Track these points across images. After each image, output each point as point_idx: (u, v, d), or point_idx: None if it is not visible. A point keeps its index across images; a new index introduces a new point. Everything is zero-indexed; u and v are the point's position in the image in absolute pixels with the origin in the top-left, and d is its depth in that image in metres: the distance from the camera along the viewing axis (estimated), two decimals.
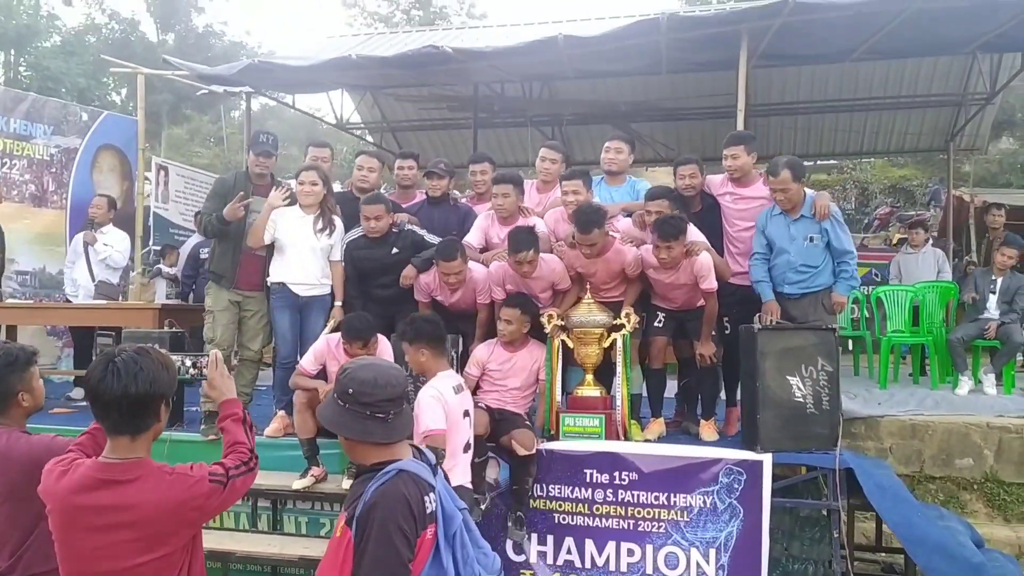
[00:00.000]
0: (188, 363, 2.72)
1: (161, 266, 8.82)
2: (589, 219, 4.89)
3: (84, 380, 2.25)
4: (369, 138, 14.07)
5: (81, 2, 25.39)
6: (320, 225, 5.53)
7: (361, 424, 2.31)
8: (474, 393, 5.14)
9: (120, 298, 7.25)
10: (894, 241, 12.03)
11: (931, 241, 9.27)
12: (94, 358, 3.50)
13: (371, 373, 2.36)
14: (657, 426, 5.29)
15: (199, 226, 5.86)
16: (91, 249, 7.18)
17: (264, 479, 4.97)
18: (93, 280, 7.11)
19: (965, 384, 6.78)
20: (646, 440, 5.12)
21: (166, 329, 5.66)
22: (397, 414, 2.32)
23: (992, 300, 6.97)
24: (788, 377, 4.67)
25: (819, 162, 18.01)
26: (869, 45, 8.10)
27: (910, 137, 12.73)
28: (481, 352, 5.15)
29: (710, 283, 4.93)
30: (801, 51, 8.58)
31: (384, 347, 5.10)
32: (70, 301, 7.24)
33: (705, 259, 4.92)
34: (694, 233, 5.09)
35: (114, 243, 7.30)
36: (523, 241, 4.95)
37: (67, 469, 2.27)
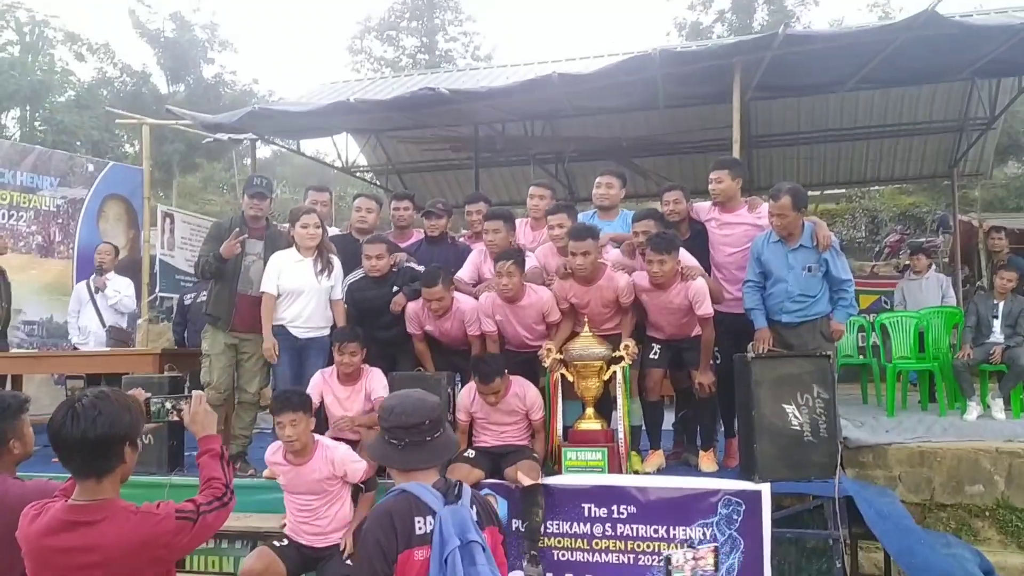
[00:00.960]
0: (168, 405, 2.75)
1: None
2: (582, 229, 5.05)
3: (47, 426, 2.25)
4: (375, 180, 14.24)
5: (93, 57, 25.94)
6: (319, 267, 5.57)
7: (381, 448, 2.48)
8: (469, 439, 5.15)
9: (131, 343, 7.32)
10: (901, 267, 11.98)
11: (935, 267, 9.21)
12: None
13: (395, 400, 2.52)
14: (656, 458, 5.26)
15: (196, 269, 5.90)
16: (101, 295, 7.26)
17: (260, 521, 4.99)
18: (103, 326, 7.18)
19: (974, 410, 6.70)
20: (645, 473, 5.08)
21: (166, 373, 5.70)
22: (415, 443, 2.40)
23: (996, 324, 6.90)
24: (784, 405, 4.63)
25: (826, 191, 18.01)
26: (863, 74, 8.16)
27: (913, 164, 12.74)
28: (464, 398, 5.15)
29: (706, 309, 4.92)
30: (796, 82, 8.65)
31: (378, 380, 5.13)
32: (77, 349, 7.31)
33: (701, 284, 4.92)
34: (688, 259, 5.10)
35: (121, 288, 7.39)
36: (504, 254, 5.13)
37: (39, 512, 2.29)
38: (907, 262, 12.47)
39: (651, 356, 5.29)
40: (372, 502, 4.64)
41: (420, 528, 2.28)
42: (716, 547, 3.15)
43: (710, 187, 5.47)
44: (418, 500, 2.32)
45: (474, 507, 2.39)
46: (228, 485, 2.56)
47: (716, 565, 3.15)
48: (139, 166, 9.42)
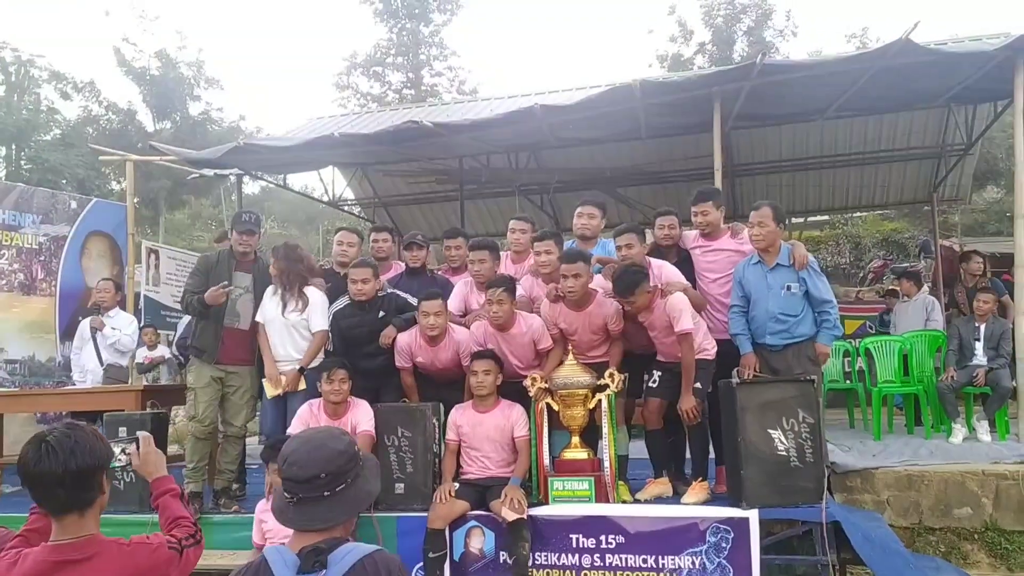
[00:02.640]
0: (116, 450, 2.65)
1: (143, 349, 8.81)
2: (574, 253, 5.09)
3: (18, 465, 2.19)
4: (363, 214, 14.28)
5: (79, 95, 26.00)
6: (287, 303, 5.57)
7: (277, 501, 2.09)
8: (457, 470, 5.12)
9: (130, 380, 7.28)
10: (883, 293, 12.08)
11: (927, 289, 9.29)
12: None
13: (291, 446, 2.11)
14: (657, 487, 5.19)
15: (182, 303, 5.88)
16: (99, 334, 7.21)
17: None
18: (102, 365, 7.13)
19: (959, 432, 6.71)
20: (642, 501, 5.04)
21: (148, 410, 5.65)
22: (309, 500, 2.01)
23: (978, 347, 6.94)
24: (770, 431, 4.62)
25: (809, 219, 18.18)
26: (841, 103, 8.30)
27: (893, 190, 12.89)
28: (454, 414, 5.18)
29: (683, 324, 4.82)
30: (775, 111, 8.78)
31: (363, 412, 5.10)
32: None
33: (676, 299, 4.87)
34: (671, 273, 5.11)
35: (122, 326, 7.34)
36: (495, 281, 5.17)
37: (15, 560, 2.20)
38: (891, 287, 12.62)
39: (651, 384, 5.25)
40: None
41: None
42: None
43: (695, 219, 5.50)
44: (266, 568, 1.94)
45: None
46: (195, 523, 2.54)
47: None
48: (124, 203, 9.41)
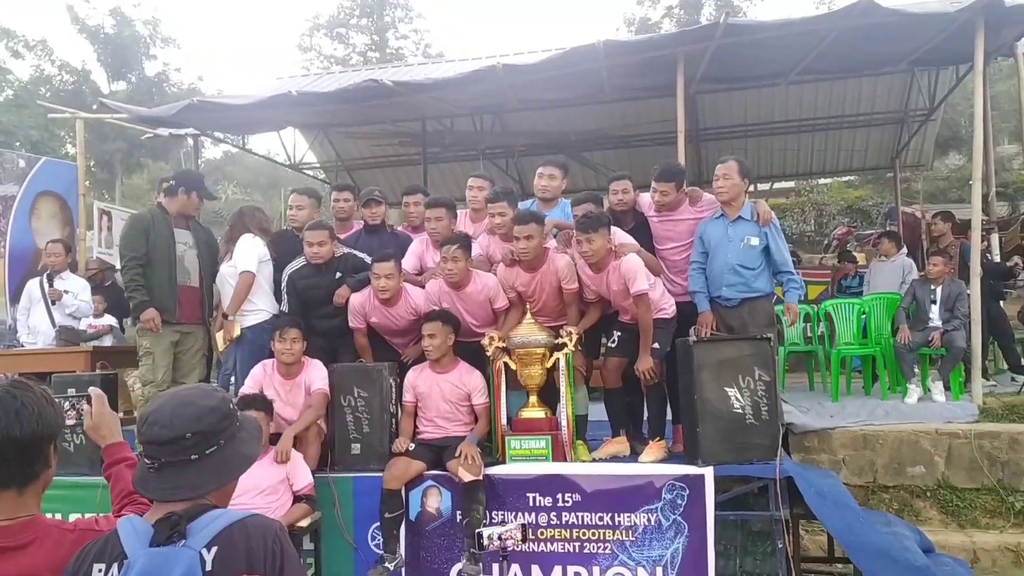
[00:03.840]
0: (65, 406, 2.41)
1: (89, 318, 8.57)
2: (526, 214, 5.02)
3: None
4: (326, 178, 14.09)
5: (31, 54, 25.27)
6: (226, 257, 5.72)
7: (139, 470, 1.82)
8: (415, 432, 5.08)
9: (82, 344, 7.09)
10: (841, 259, 12.21)
11: (905, 251, 9.36)
12: None
13: (153, 405, 1.83)
14: (613, 446, 5.19)
15: (124, 271, 5.68)
16: (58, 303, 7.02)
17: None
18: (54, 326, 6.95)
19: (914, 392, 6.79)
20: (601, 460, 5.03)
21: (97, 372, 5.51)
22: (174, 464, 1.75)
23: (934, 309, 7.00)
24: (726, 388, 4.62)
25: (775, 186, 18.27)
26: (805, 65, 8.27)
27: (857, 155, 12.97)
28: (411, 375, 5.12)
29: (638, 286, 4.80)
30: (739, 73, 8.73)
31: (317, 371, 5.03)
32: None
33: (631, 260, 4.84)
34: (622, 236, 5.07)
35: (76, 291, 7.15)
36: (450, 238, 5.09)
37: None
38: (852, 252, 12.75)
39: (610, 344, 5.23)
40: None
41: None
42: (524, 525, 3.04)
43: (655, 197, 5.41)
44: (116, 540, 1.69)
45: (213, 550, 1.65)
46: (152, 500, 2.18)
47: (524, 538, 3.06)
48: (76, 163, 9.15)
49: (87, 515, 2.08)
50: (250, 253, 5.62)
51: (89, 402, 2.30)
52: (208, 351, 5.77)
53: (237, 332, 5.47)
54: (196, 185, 5.80)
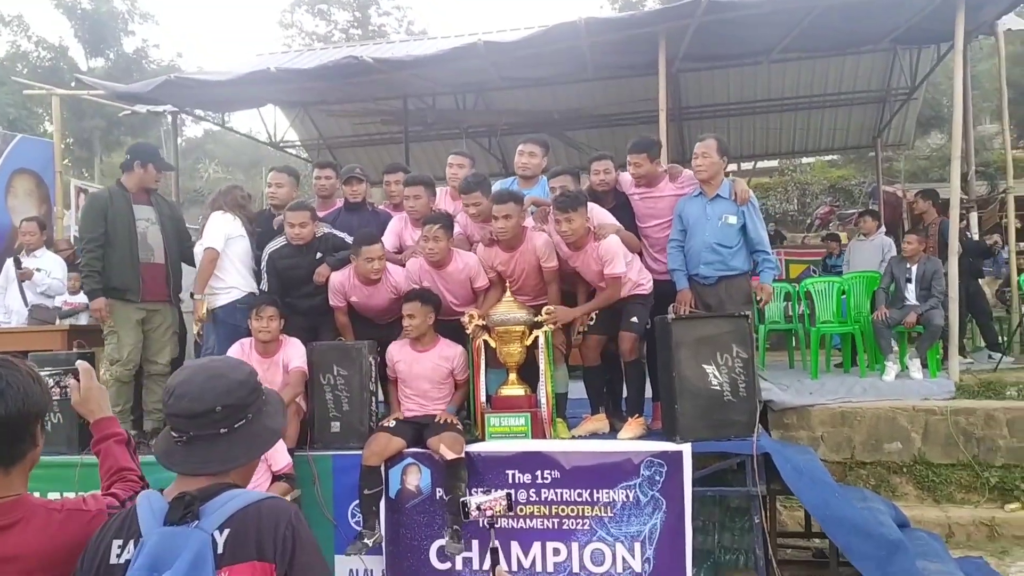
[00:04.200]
0: (51, 382, 2.34)
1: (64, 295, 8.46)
2: (504, 193, 5.01)
3: None
4: (309, 157, 14.00)
5: (6, 30, 24.89)
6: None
7: (163, 443, 1.82)
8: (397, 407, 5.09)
9: (56, 322, 7.03)
10: (823, 238, 12.29)
11: (883, 230, 9.40)
12: None
13: (179, 377, 1.81)
14: (592, 423, 5.21)
15: (83, 252, 5.54)
16: (29, 282, 6.94)
17: None
18: (26, 305, 6.88)
19: (892, 370, 6.85)
20: (577, 437, 5.06)
21: (74, 350, 5.46)
22: (203, 438, 1.75)
23: (910, 288, 7.04)
24: (704, 366, 4.64)
25: (758, 165, 18.32)
26: (787, 43, 8.25)
27: (839, 134, 13.01)
28: (391, 349, 5.12)
29: (613, 268, 4.84)
30: (722, 51, 8.71)
31: (295, 349, 5.02)
32: None
33: (610, 242, 4.85)
34: (603, 215, 5.06)
35: (50, 268, 7.07)
36: (431, 217, 5.06)
37: None
38: (832, 231, 12.81)
39: (589, 321, 5.22)
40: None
41: (117, 556, 1.67)
42: (509, 494, 3.06)
43: (629, 170, 5.43)
44: (134, 516, 1.69)
45: (225, 532, 1.63)
46: (141, 476, 2.19)
47: (510, 507, 3.07)
48: (52, 140, 9.03)
49: (66, 494, 2.01)
50: (216, 230, 5.56)
51: (76, 377, 2.26)
52: (180, 328, 5.70)
53: (203, 311, 5.41)
54: (150, 157, 5.66)
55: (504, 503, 3.08)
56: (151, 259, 5.51)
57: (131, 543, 1.65)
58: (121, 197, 5.47)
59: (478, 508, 3.07)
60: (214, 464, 1.74)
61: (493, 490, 4.72)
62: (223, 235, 5.56)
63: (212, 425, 1.73)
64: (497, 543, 3.19)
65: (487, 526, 3.08)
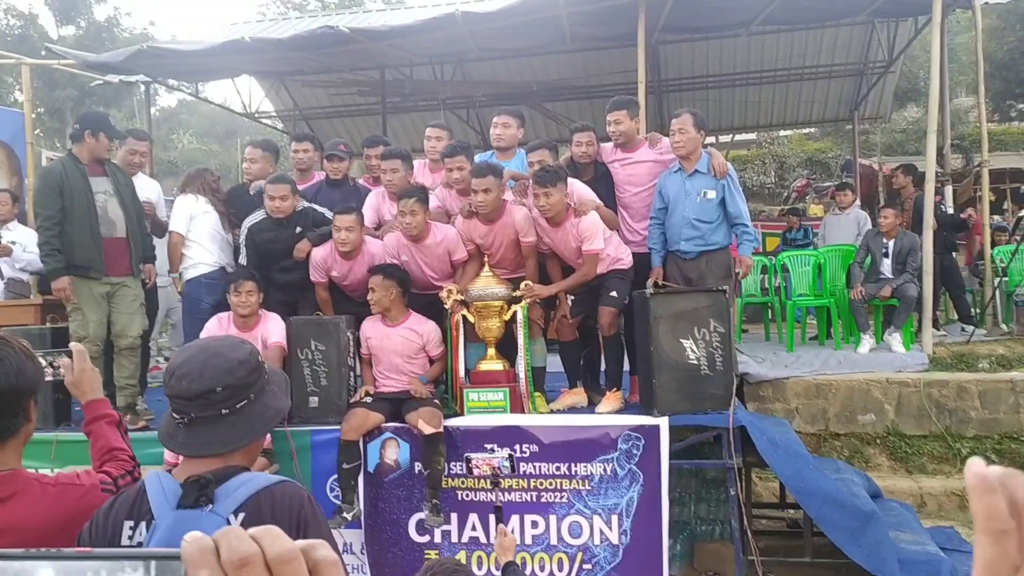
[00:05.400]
0: (43, 362, 2.34)
1: None
2: (484, 167, 4.98)
3: None
4: (285, 128, 13.83)
5: None
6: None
7: (166, 425, 1.80)
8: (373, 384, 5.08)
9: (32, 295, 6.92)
10: (784, 212, 12.33)
11: (858, 203, 9.44)
12: None
13: (181, 357, 1.77)
14: (571, 397, 5.24)
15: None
16: (8, 259, 6.80)
17: None
18: (2, 279, 6.76)
19: (866, 343, 6.92)
20: (555, 411, 5.08)
21: (48, 325, 5.39)
22: (205, 419, 1.72)
23: (885, 263, 7.08)
24: (682, 340, 4.66)
25: (737, 138, 18.32)
26: (766, 15, 8.22)
27: (817, 107, 13.02)
28: (364, 326, 5.10)
29: (592, 244, 4.84)
30: (701, 23, 8.67)
31: (274, 324, 5.00)
32: None
33: (590, 219, 4.85)
34: (582, 191, 5.05)
35: (26, 243, 6.92)
36: (407, 191, 5.03)
37: None
38: (798, 206, 12.85)
39: (570, 310, 5.24)
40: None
41: (129, 537, 1.66)
42: (511, 454, 3.05)
43: (608, 129, 5.42)
44: (143, 498, 1.67)
45: (240, 516, 1.60)
46: (133, 456, 2.20)
47: (513, 468, 3.07)
48: (23, 111, 8.84)
49: (42, 470, 2.08)
50: (179, 212, 5.58)
51: (70, 357, 2.23)
52: (146, 301, 5.60)
53: (179, 288, 5.47)
54: (102, 125, 5.41)
55: (508, 464, 3.06)
56: (112, 233, 5.30)
57: (142, 525, 1.63)
58: (76, 170, 5.22)
59: (480, 463, 3.03)
60: (217, 446, 1.71)
61: (496, 448, 4.76)
62: (187, 216, 5.57)
63: (213, 406, 1.70)
64: (501, 502, 3.10)
65: (493, 484, 3.06)
